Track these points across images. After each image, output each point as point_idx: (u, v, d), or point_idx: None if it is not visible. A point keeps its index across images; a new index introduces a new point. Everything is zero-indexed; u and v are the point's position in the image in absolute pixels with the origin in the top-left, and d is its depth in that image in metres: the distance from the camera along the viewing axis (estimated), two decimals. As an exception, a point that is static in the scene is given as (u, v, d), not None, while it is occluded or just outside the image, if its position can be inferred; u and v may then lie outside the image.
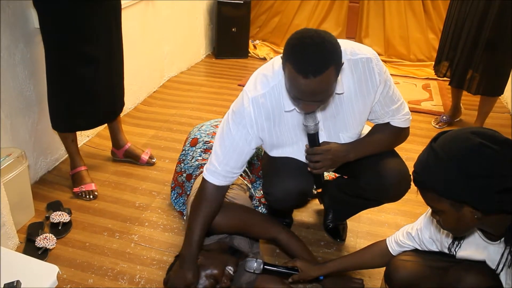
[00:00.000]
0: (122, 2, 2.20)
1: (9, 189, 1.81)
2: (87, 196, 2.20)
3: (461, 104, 3.06)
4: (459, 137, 1.05)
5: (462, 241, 1.25)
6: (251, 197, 1.99)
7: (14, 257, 1.52)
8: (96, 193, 2.22)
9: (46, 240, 1.86)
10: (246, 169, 2.08)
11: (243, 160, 1.49)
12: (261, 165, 2.07)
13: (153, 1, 3.20)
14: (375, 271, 1.72)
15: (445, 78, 2.96)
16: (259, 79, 1.43)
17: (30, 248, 1.85)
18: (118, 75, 2.23)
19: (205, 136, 2.11)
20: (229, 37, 4.19)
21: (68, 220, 2.01)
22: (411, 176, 1.13)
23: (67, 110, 2.09)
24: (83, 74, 2.03)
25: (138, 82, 3.18)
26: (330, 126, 1.50)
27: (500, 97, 2.98)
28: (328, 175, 2.18)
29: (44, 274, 1.42)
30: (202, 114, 3.13)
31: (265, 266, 1.58)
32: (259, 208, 2.03)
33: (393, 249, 1.44)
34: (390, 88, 1.46)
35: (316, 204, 2.16)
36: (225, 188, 1.53)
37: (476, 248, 1.23)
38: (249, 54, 4.35)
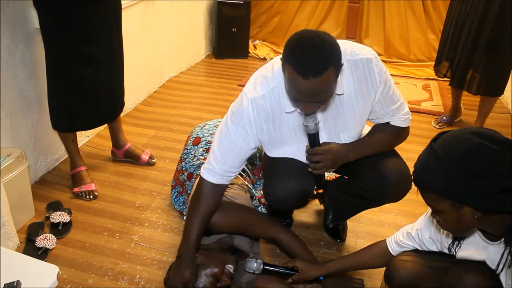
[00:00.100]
0: (122, 2, 2.20)
1: (9, 189, 1.81)
2: (87, 196, 2.20)
3: (461, 104, 3.05)
4: (459, 137, 1.05)
5: (462, 241, 1.25)
6: (252, 197, 1.99)
7: (14, 257, 1.52)
8: (96, 193, 2.22)
9: (46, 240, 1.86)
10: (247, 169, 2.08)
11: (241, 159, 1.49)
12: (262, 165, 2.07)
13: (153, 1, 3.20)
14: (375, 271, 1.72)
15: (445, 78, 2.96)
16: (259, 80, 1.43)
17: (30, 248, 1.85)
18: (118, 75, 2.23)
19: (207, 136, 2.11)
20: (229, 37, 4.19)
21: (68, 220, 2.01)
22: (412, 176, 1.13)
23: (67, 110, 2.09)
24: (83, 74, 2.03)
25: (138, 82, 3.18)
26: (330, 126, 1.50)
27: (500, 97, 2.98)
28: (329, 176, 2.18)
29: (44, 274, 1.42)
30: (202, 114, 3.13)
31: (265, 267, 1.58)
32: (259, 208, 2.03)
33: (393, 249, 1.44)
34: (390, 88, 1.46)
35: (316, 204, 2.16)
36: (223, 187, 1.54)
37: (476, 248, 1.23)
38: (249, 54, 4.35)
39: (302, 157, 1.53)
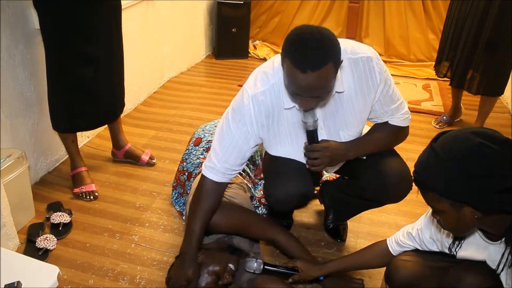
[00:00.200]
0: (122, 2, 2.20)
1: (9, 190, 1.81)
2: (88, 197, 2.20)
3: (461, 104, 3.05)
4: (459, 137, 1.05)
5: (462, 241, 1.25)
6: (252, 197, 1.99)
7: (14, 258, 1.52)
8: (96, 193, 2.22)
9: (47, 240, 1.86)
10: (248, 170, 2.08)
11: (243, 157, 1.49)
12: (262, 165, 2.07)
13: (153, 1, 3.20)
14: (375, 271, 1.72)
15: (445, 78, 2.96)
16: (259, 77, 1.43)
17: (31, 249, 1.85)
18: (118, 75, 2.23)
19: (208, 136, 2.12)
20: (229, 37, 4.19)
21: (68, 220, 2.01)
22: (412, 177, 1.13)
23: (67, 110, 2.09)
24: (83, 74, 2.03)
25: (138, 82, 3.18)
26: (330, 124, 1.50)
27: (500, 97, 2.98)
28: (329, 176, 2.18)
29: (44, 275, 1.42)
30: (202, 114, 3.13)
31: (265, 267, 1.58)
32: (259, 208, 2.03)
33: (394, 249, 1.44)
34: (390, 87, 1.46)
35: (316, 205, 2.16)
36: (224, 185, 1.54)
37: (476, 248, 1.23)
38: (249, 55, 4.35)
39: (301, 155, 1.53)
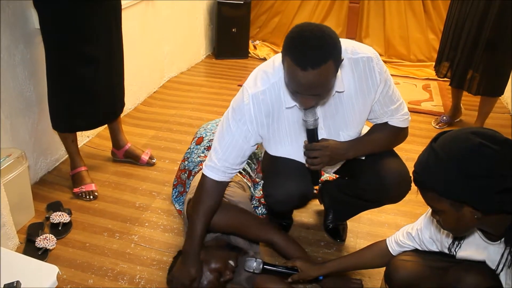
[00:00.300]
0: (122, 2, 2.20)
1: (9, 189, 1.81)
2: (87, 197, 2.20)
3: (461, 105, 3.05)
4: (459, 137, 1.05)
5: (462, 241, 1.25)
6: (251, 197, 1.99)
7: (14, 257, 1.52)
8: (96, 193, 2.22)
9: (46, 240, 1.86)
10: (249, 169, 2.08)
11: (243, 156, 1.49)
12: (262, 165, 2.07)
13: (153, 1, 3.20)
14: (375, 271, 1.72)
15: (445, 79, 2.96)
16: (260, 76, 1.43)
17: (30, 248, 1.85)
18: (118, 75, 2.23)
19: (210, 135, 2.13)
20: (229, 37, 4.19)
21: (68, 220, 2.01)
22: (412, 177, 1.13)
23: (67, 110, 2.09)
24: (83, 74, 2.03)
25: (138, 82, 3.18)
26: (330, 124, 1.50)
27: (500, 97, 2.98)
28: (329, 176, 2.18)
29: (44, 275, 1.43)
30: (202, 114, 3.13)
31: (264, 266, 1.58)
32: (259, 208, 2.03)
33: (393, 249, 1.44)
34: (390, 88, 1.46)
35: (316, 205, 2.16)
36: (225, 184, 1.54)
37: (476, 248, 1.23)
38: (249, 55, 4.35)
39: (301, 154, 1.53)
